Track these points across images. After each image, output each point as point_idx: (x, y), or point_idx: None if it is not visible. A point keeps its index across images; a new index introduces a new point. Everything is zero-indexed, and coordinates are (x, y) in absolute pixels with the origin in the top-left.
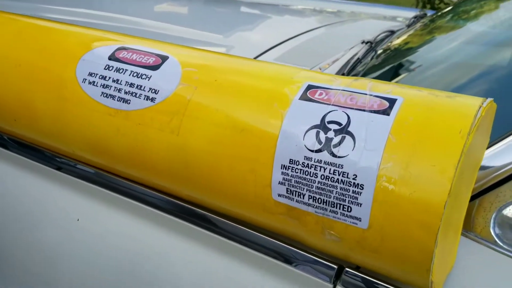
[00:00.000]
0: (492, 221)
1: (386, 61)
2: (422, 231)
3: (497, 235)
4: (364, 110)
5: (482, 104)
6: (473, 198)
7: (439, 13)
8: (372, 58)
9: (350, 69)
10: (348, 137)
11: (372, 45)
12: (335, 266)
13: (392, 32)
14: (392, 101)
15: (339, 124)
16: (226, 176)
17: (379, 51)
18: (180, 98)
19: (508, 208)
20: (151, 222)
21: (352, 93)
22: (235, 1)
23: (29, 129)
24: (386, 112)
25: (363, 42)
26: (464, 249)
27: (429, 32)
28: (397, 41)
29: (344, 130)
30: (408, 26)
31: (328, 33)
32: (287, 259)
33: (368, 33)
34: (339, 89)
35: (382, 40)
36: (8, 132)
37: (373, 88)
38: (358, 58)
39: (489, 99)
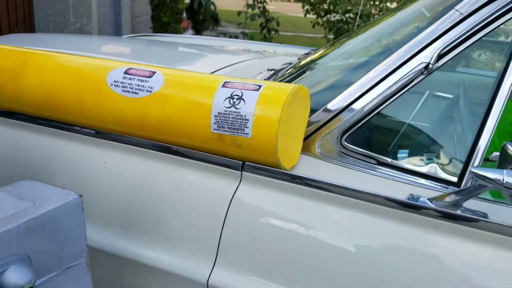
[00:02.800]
0: (317, 146)
1: (284, 78)
2: (270, 134)
3: (319, 152)
4: (248, 90)
5: (294, 87)
6: (310, 136)
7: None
8: (274, 79)
9: None
10: (242, 101)
11: (275, 71)
12: (241, 162)
13: (290, 64)
14: (260, 86)
15: (238, 96)
16: (190, 125)
17: (279, 75)
18: (165, 90)
19: (322, 139)
20: (153, 160)
21: (245, 84)
22: (174, 43)
23: (78, 116)
24: (257, 89)
25: (268, 70)
26: (305, 159)
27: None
28: (288, 70)
29: (240, 98)
30: (299, 59)
31: (251, 64)
32: (217, 163)
33: (278, 64)
34: (239, 82)
35: (282, 68)
36: (62, 120)
37: (254, 81)
38: (265, 80)
39: (299, 85)
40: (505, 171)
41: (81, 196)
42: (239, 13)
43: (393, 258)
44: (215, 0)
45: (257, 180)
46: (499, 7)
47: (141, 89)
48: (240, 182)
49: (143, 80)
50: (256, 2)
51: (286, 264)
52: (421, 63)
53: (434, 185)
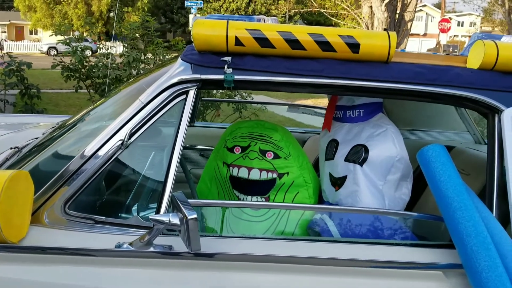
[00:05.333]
0: (45, 217)
1: (24, 157)
2: None
3: (47, 222)
4: None
5: (12, 173)
6: (38, 209)
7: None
8: (18, 157)
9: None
10: None
11: (19, 149)
12: None
13: (36, 138)
14: None
15: None
16: None
17: (24, 151)
18: None
19: (49, 211)
20: None
21: None
22: None
23: None
24: None
25: (11, 148)
26: (35, 230)
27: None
28: (32, 143)
29: None
30: (44, 133)
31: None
32: None
33: (24, 140)
34: None
35: (27, 145)
36: None
37: None
38: (7, 158)
39: (17, 170)
40: (170, 214)
41: None
42: None
43: None
44: None
45: None
46: (164, 98)
47: None
48: None
49: None
50: (12, 71)
51: None
52: (118, 141)
53: (139, 231)
